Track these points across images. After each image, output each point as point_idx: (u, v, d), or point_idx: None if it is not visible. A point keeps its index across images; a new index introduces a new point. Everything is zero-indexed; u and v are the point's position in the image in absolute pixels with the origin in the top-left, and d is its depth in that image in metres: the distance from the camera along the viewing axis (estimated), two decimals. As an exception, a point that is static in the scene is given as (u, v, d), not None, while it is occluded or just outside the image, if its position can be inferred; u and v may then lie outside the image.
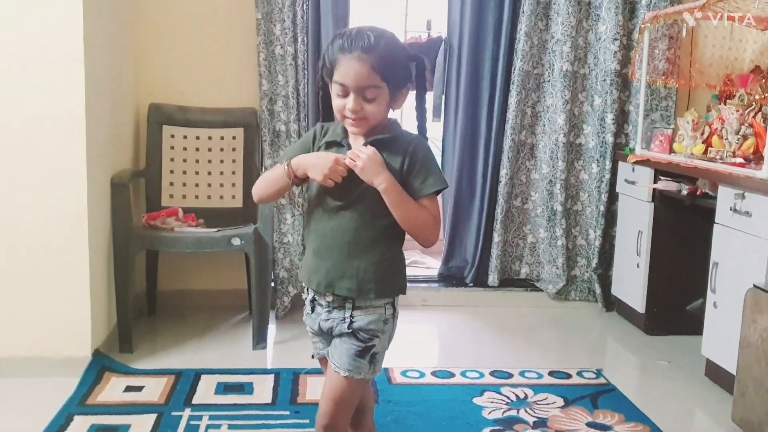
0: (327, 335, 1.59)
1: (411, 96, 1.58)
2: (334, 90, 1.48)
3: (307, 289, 1.60)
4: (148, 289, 3.41)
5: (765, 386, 2.16)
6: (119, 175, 2.99)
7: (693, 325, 3.10)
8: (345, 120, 1.49)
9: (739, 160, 2.83)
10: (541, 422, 2.40)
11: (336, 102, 1.49)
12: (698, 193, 3.00)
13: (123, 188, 2.92)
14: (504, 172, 3.67)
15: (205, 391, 2.56)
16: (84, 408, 2.40)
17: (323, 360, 1.65)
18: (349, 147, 1.51)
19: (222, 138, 3.35)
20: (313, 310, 1.59)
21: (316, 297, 1.58)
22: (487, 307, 3.71)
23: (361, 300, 1.52)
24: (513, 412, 2.47)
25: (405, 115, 1.58)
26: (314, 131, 1.61)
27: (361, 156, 1.45)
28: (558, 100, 3.61)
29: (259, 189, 1.59)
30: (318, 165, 1.48)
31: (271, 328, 3.23)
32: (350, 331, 1.53)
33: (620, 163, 3.56)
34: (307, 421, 2.35)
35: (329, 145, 1.55)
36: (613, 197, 3.64)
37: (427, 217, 1.48)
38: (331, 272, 1.51)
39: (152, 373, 2.71)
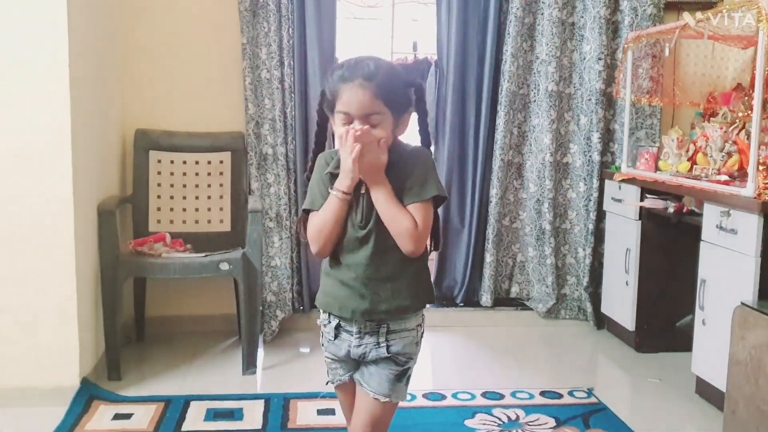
0: (352, 362, 1.59)
1: (413, 120, 1.59)
2: (338, 120, 1.49)
3: (329, 315, 1.58)
4: (136, 316, 3.39)
5: (755, 404, 2.16)
6: (106, 202, 2.98)
7: (683, 342, 3.10)
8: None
9: (724, 177, 2.86)
10: (533, 444, 2.39)
11: (339, 128, 1.50)
12: (684, 210, 3.02)
13: (109, 215, 2.91)
14: (494, 191, 3.68)
15: (195, 418, 2.54)
16: (71, 438, 2.37)
17: (343, 386, 1.64)
18: None
19: (209, 162, 3.35)
20: (336, 336, 1.58)
21: (342, 323, 1.56)
22: (477, 327, 3.71)
23: (396, 323, 1.54)
24: (505, 434, 2.46)
25: (408, 139, 1.58)
26: (323, 160, 1.59)
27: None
28: (544, 120, 3.63)
29: (321, 233, 1.52)
30: (347, 168, 1.47)
31: (260, 353, 3.21)
32: (389, 356, 1.53)
33: (607, 182, 3.58)
34: (297, 447, 2.33)
35: (333, 176, 1.54)
36: (601, 215, 3.65)
37: (408, 223, 1.47)
38: (365, 301, 1.51)
39: (141, 400, 2.69)
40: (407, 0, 4.44)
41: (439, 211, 4.03)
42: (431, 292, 1.60)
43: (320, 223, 1.53)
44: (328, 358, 1.63)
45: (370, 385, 1.55)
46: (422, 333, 1.60)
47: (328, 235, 1.51)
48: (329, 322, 1.59)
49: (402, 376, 1.56)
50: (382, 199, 1.48)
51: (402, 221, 1.47)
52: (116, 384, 2.83)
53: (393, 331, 1.53)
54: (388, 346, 1.53)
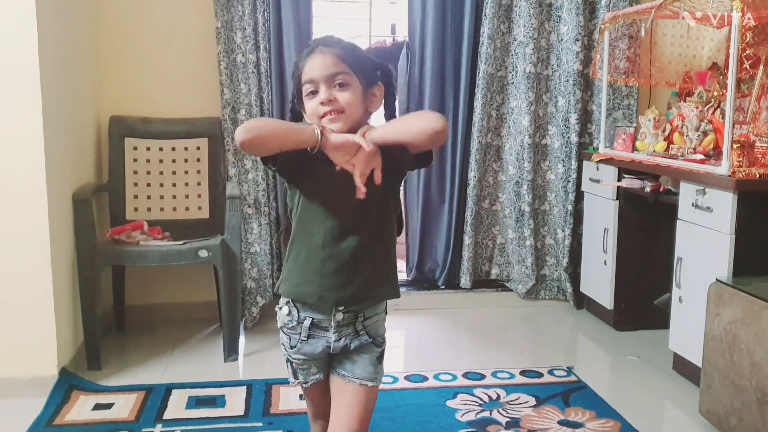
0: (326, 358, 1.53)
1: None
2: (306, 93, 1.46)
3: (299, 315, 1.50)
4: (115, 305, 3.36)
5: (729, 378, 2.20)
6: (81, 190, 2.95)
7: (660, 320, 3.14)
8: (322, 120, 1.44)
9: (700, 156, 2.88)
10: (513, 422, 2.41)
11: (309, 105, 1.45)
12: (661, 189, 3.04)
13: (85, 204, 2.88)
14: (472, 174, 3.69)
15: (177, 406, 2.53)
16: (52, 428, 2.36)
17: (318, 385, 1.57)
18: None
19: (186, 149, 3.32)
20: (310, 336, 1.50)
21: (316, 321, 1.50)
22: (458, 309, 3.73)
23: (370, 310, 1.52)
24: (486, 414, 2.48)
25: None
26: None
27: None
28: (522, 102, 3.63)
29: (263, 128, 1.38)
30: (347, 146, 1.39)
31: (241, 340, 3.21)
32: (371, 340, 1.52)
33: (585, 163, 3.60)
34: (280, 431, 2.33)
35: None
36: (579, 196, 3.67)
37: (427, 112, 1.44)
38: (348, 289, 1.47)
39: (122, 389, 2.67)
40: (384, -18, 4.41)
41: (419, 195, 4.03)
42: (398, 280, 1.58)
43: (275, 123, 1.46)
44: (298, 359, 1.54)
45: (355, 373, 1.51)
46: (386, 315, 1.59)
47: (267, 139, 1.36)
48: (299, 323, 1.51)
49: (381, 358, 1.55)
50: (390, 131, 1.42)
51: (420, 114, 1.45)
52: (96, 374, 2.82)
53: (368, 317, 1.52)
54: (367, 332, 1.52)
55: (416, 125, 1.40)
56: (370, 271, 1.48)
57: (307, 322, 1.50)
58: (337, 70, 1.43)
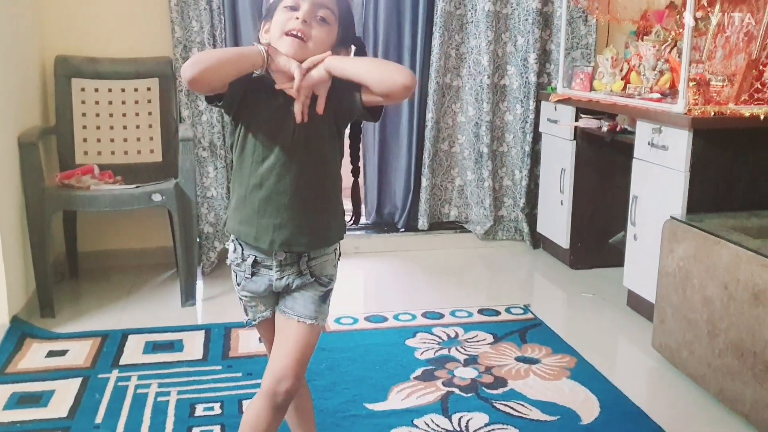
0: (273, 296, 1.52)
1: None
2: (284, 6, 1.39)
3: (243, 252, 1.49)
4: (68, 252, 3.28)
5: (682, 313, 2.25)
6: (27, 133, 2.83)
7: (615, 258, 3.19)
8: (285, 38, 1.38)
9: (656, 95, 2.89)
10: (471, 359, 2.45)
11: (281, 16, 1.39)
12: (618, 129, 3.05)
13: (31, 147, 2.77)
14: (430, 116, 3.65)
15: (133, 351, 2.51)
16: (4, 376, 2.31)
17: (265, 322, 1.56)
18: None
19: (136, 90, 3.20)
20: (254, 274, 1.49)
21: (259, 258, 1.48)
22: (417, 251, 3.74)
23: (315, 251, 1.48)
24: (444, 351, 2.51)
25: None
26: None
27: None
28: (482, 41, 3.58)
29: (209, 59, 1.33)
30: (288, 73, 1.35)
31: (199, 285, 3.17)
32: (312, 279, 1.49)
33: (543, 103, 3.59)
34: (239, 374, 2.33)
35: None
36: (537, 137, 3.67)
37: (395, 64, 1.39)
38: (285, 230, 1.43)
39: (76, 336, 2.63)
40: None
41: (376, 138, 3.98)
42: (344, 225, 1.54)
43: (219, 51, 1.42)
44: (245, 296, 1.53)
45: (295, 310, 1.49)
46: (339, 255, 1.56)
47: (218, 66, 1.32)
48: (243, 260, 1.49)
49: (326, 297, 1.52)
50: (346, 65, 1.37)
51: (392, 63, 1.39)
52: (50, 321, 2.76)
53: (313, 258, 1.49)
54: (311, 272, 1.49)
55: (386, 71, 1.36)
56: (309, 214, 1.45)
57: (249, 260, 1.49)
58: (327, 5, 1.40)
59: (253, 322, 1.58)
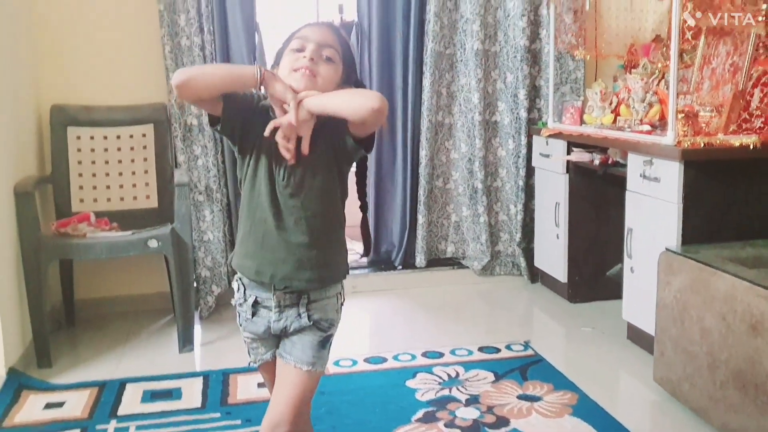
0: (273, 338, 1.52)
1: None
2: (291, 49, 1.45)
3: (245, 292, 1.51)
4: (64, 300, 3.26)
5: (681, 345, 2.25)
6: (23, 182, 2.85)
7: (613, 291, 3.19)
8: (294, 74, 1.42)
9: (646, 127, 2.92)
10: (473, 399, 2.43)
11: (289, 58, 1.45)
12: (610, 162, 3.08)
13: (27, 196, 2.78)
14: (423, 153, 3.68)
15: (131, 401, 2.48)
16: (1, 431, 2.28)
17: (266, 365, 1.57)
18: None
19: (131, 136, 3.22)
20: (254, 314, 1.51)
21: (260, 299, 1.49)
22: (415, 289, 3.73)
23: (316, 293, 1.49)
24: (445, 392, 2.49)
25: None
26: (256, 94, 1.52)
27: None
28: (471, 79, 3.63)
29: (199, 69, 1.43)
30: (281, 101, 1.40)
31: (197, 330, 3.16)
32: (311, 323, 1.49)
33: (535, 138, 3.62)
34: (238, 422, 2.30)
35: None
36: (530, 171, 3.70)
37: (366, 91, 1.43)
38: (287, 266, 1.45)
39: (74, 386, 2.60)
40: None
41: (371, 176, 4.01)
42: (346, 263, 1.55)
43: (212, 65, 1.48)
44: (247, 338, 1.55)
45: (293, 355, 1.49)
46: (342, 302, 1.55)
47: (207, 75, 1.40)
48: (245, 300, 1.51)
49: (325, 342, 1.51)
50: (325, 102, 1.40)
51: (359, 90, 1.44)
52: (47, 372, 2.73)
53: (314, 300, 1.49)
54: (309, 315, 1.48)
55: (354, 100, 1.39)
56: (312, 251, 1.46)
57: (250, 300, 1.51)
58: (332, 45, 1.46)
59: (254, 364, 1.59)
